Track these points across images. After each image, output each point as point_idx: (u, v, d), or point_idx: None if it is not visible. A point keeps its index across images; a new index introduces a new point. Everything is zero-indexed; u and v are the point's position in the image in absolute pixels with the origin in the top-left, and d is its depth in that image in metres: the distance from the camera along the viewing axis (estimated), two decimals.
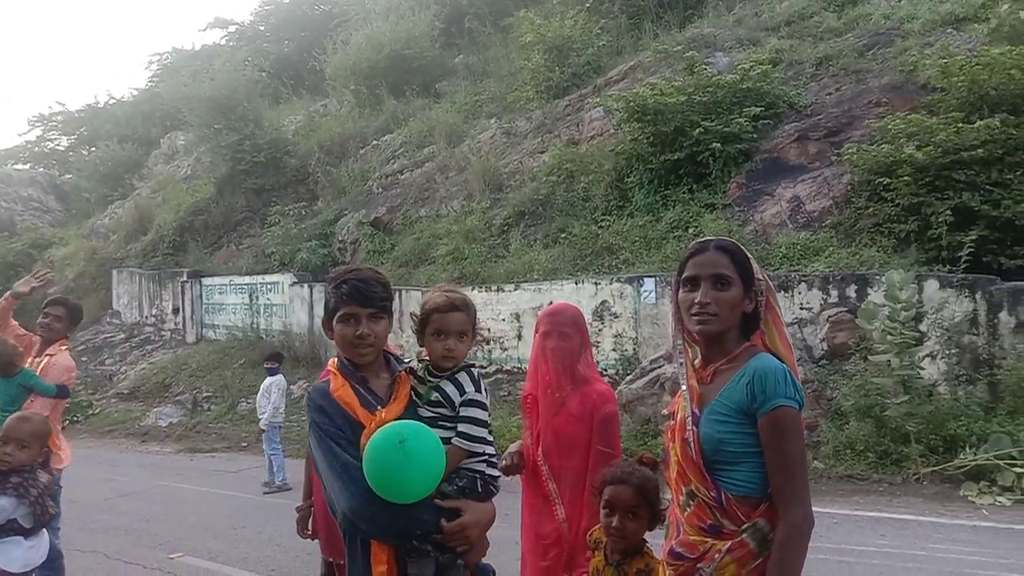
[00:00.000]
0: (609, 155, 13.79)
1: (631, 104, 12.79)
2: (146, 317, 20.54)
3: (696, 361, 2.36)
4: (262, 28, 30.50)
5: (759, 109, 12.41)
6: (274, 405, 10.08)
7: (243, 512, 8.68)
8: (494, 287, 12.66)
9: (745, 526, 2.11)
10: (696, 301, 2.21)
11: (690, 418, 2.22)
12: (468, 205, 15.54)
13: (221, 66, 24.90)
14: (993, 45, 10.85)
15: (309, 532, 4.13)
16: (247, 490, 9.75)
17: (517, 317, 12.33)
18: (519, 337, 12.21)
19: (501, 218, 14.56)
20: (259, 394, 10.42)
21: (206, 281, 18.81)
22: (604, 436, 3.39)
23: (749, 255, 2.26)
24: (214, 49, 32.47)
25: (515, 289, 12.43)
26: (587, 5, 17.52)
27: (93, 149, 33.38)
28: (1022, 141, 9.64)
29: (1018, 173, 9.55)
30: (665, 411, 2.53)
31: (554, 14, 17.38)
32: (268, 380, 10.37)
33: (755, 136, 12.45)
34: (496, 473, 2.59)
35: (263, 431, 10.07)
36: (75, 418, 16.22)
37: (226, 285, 18.27)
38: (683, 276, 2.30)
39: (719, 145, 12.12)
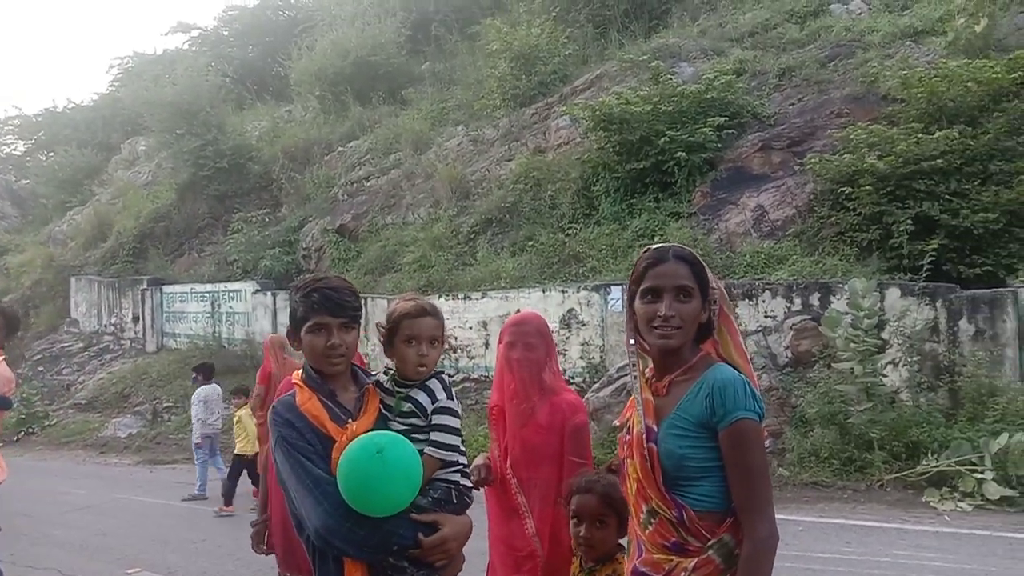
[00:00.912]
0: (576, 163, 13.81)
1: (597, 113, 12.83)
2: (105, 326, 20.08)
3: (647, 370, 2.29)
4: (226, 33, 30.07)
5: (723, 119, 12.51)
6: (198, 417, 10.01)
7: (203, 526, 8.48)
8: (461, 295, 12.59)
9: (711, 543, 2.06)
10: (660, 315, 2.14)
11: (646, 433, 2.15)
12: (435, 212, 15.45)
13: (184, 71, 24.53)
14: (950, 58, 11.09)
15: (264, 547, 4.03)
16: (208, 503, 9.53)
17: (484, 325, 12.26)
18: (486, 345, 12.14)
19: (468, 226, 14.49)
20: (198, 406, 10.10)
21: (167, 289, 18.45)
22: (576, 447, 3.34)
23: (704, 263, 2.22)
24: (177, 54, 31.95)
25: (482, 297, 12.37)
26: (553, 14, 17.56)
27: (51, 154, 32.64)
28: (979, 152, 9.84)
29: (975, 183, 9.74)
30: (616, 422, 2.44)
31: (521, 23, 17.40)
32: (204, 391, 10.11)
33: (719, 146, 12.55)
34: (469, 484, 2.53)
35: (198, 444, 9.96)
36: (30, 429, 15.80)
37: (187, 293, 17.94)
38: (643, 287, 2.21)
39: (684, 154, 12.20)
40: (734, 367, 2.14)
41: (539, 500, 3.33)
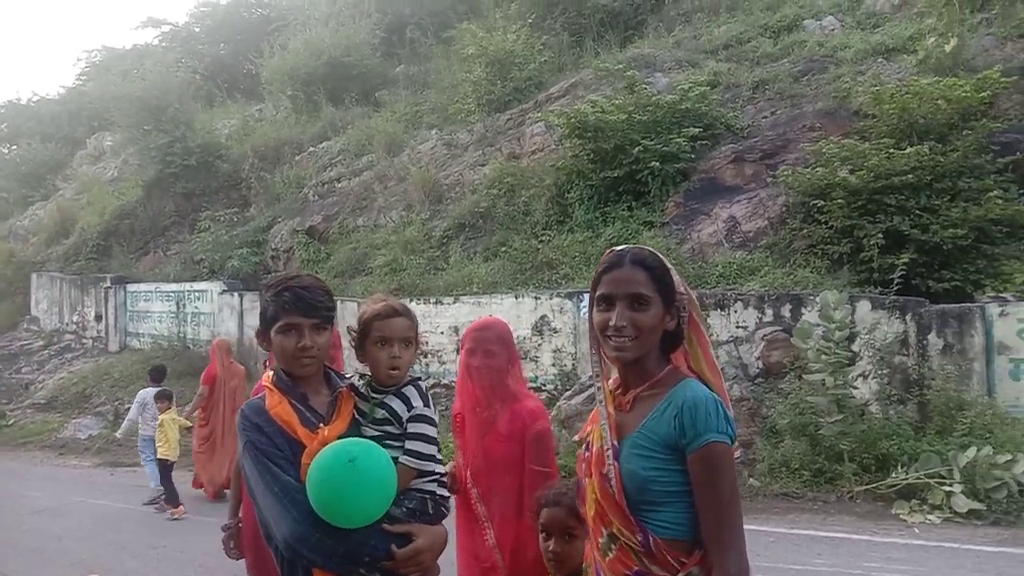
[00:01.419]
0: (550, 170, 13.79)
1: (572, 120, 12.83)
2: (67, 324, 19.60)
3: (612, 382, 2.14)
4: (197, 30, 29.66)
5: (697, 130, 12.57)
6: (130, 417, 9.95)
7: (164, 530, 8.26)
8: (432, 299, 12.48)
9: (679, 575, 1.91)
10: (611, 324, 1.99)
11: (610, 451, 1.98)
12: (407, 216, 15.32)
13: (153, 66, 24.14)
14: (921, 76, 11.26)
15: (235, 551, 3.92)
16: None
17: (456, 330, 12.15)
18: (457, 351, 12.02)
19: (441, 230, 14.39)
20: (135, 408, 9.91)
21: (131, 287, 18.06)
22: (537, 455, 3.27)
23: (669, 266, 2.05)
24: (146, 49, 31.43)
25: (454, 302, 12.27)
26: (529, 21, 17.56)
27: (14, 147, 31.90)
28: (949, 168, 9.99)
29: (945, 199, 9.88)
30: (576, 437, 2.28)
31: (496, 28, 17.37)
32: (144, 393, 9.94)
33: (693, 156, 12.62)
34: (446, 493, 2.45)
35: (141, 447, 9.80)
36: None
37: (152, 292, 17.57)
38: (596, 293, 2.07)
39: (658, 164, 12.24)
40: (704, 382, 2.01)
41: (499, 510, 3.27)
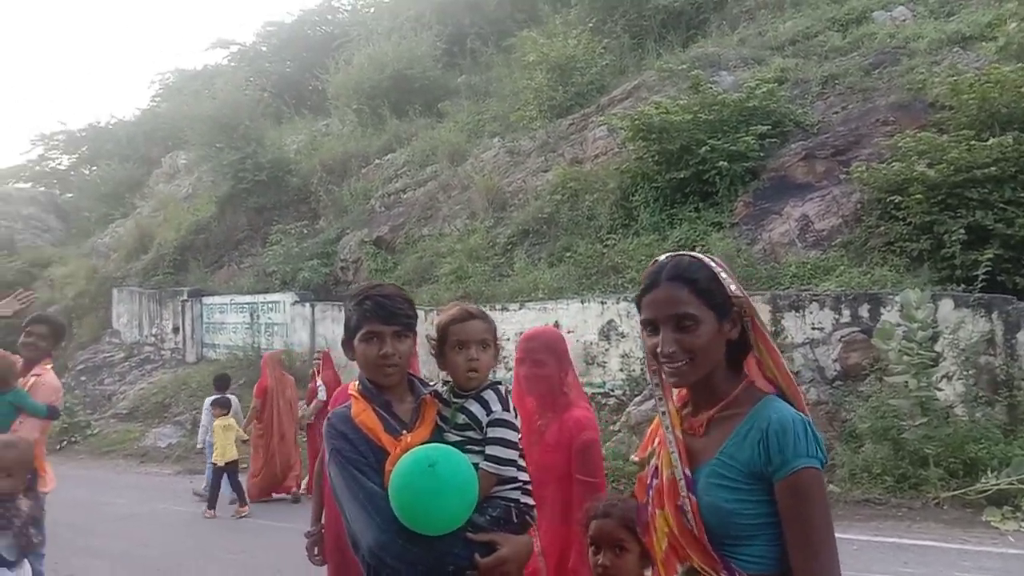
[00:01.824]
0: (614, 174, 13.68)
1: (636, 122, 12.71)
2: (146, 336, 20.33)
3: (677, 397, 1.94)
4: (264, 49, 30.52)
5: (766, 127, 12.30)
6: (203, 423, 10.50)
7: (243, 538, 8.45)
8: (498, 306, 12.49)
9: None
10: (659, 351, 1.80)
11: (683, 482, 1.80)
12: (471, 224, 15.41)
13: (223, 85, 24.93)
14: (1002, 63, 10.78)
15: (319, 557, 3.98)
16: (249, 515, 9.52)
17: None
18: None
19: (505, 237, 14.43)
20: (205, 414, 10.44)
21: (206, 300, 18.63)
22: (584, 465, 3.21)
23: (717, 270, 1.83)
24: (216, 69, 32.50)
25: (520, 308, 12.26)
26: (590, 25, 17.50)
27: (94, 168, 33.32)
28: None
29: None
30: (635, 457, 2.10)
31: (557, 34, 17.35)
32: (207, 400, 10.45)
33: (762, 155, 12.34)
34: (531, 502, 2.41)
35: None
36: (73, 438, 15.98)
37: (227, 304, 18.09)
38: (641, 317, 1.88)
39: (726, 163, 12.01)
40: (781, 393, 1.82)
41: (547, 519, 3.20)
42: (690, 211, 12.47)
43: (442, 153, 17.70)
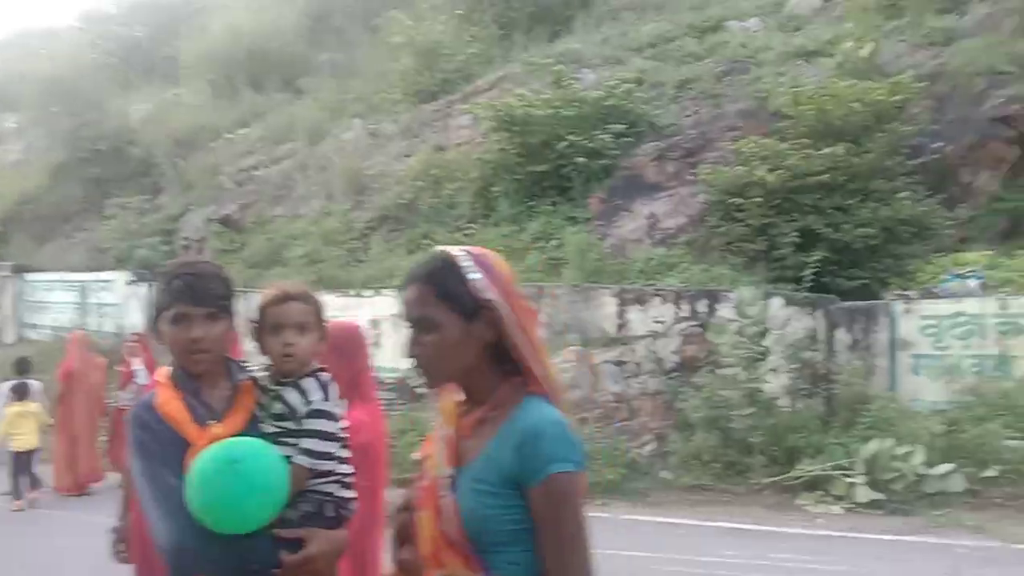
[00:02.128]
0: (476, 163, 13.63)
1: (499, 113, 12.71)
2: None
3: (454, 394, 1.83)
4: (114, 11, 28.42)
5: (622, 127, 12.58)
6: None
7: (39, 530, 7.77)
8: (352, 292, 12.16)
9: None
10: (409, 353, 1.77)
11: (445, 481, 1.73)
12: (328, 206, 14.95)
13: (64, 45, 22.99)
14: (839, 78, 11.49)
15: (125, 555, 3.65)
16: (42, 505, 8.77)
17: (375, 324, 11.88)
18: (377, 344, 11.76)
19: (363, 221, 14.09)
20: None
21: (31, 276, 17.10)
22: (359, 468, 3.10)
23: (465, 272, 1.71)
24: (58, 27, 29.99)
25: (374, 295, 11.98)
26: (459, 12, 17.37)
27: None
28: (861, 169, 10.23)
29: (857, 199, 10.12)
30: (416, 455, 1.97)
31: (425, 18, 17.12)
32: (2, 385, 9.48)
33: (617, 153, 12.63)
34: (351, 495, 2.24)
35: None
36: None
37: (54, 281, 16.67)
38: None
39: (583, 159, 12.21)
40: (548, 394, 1.72)
41: None
42: (548, 204, 12.60)
43: (300, 131, 17.08)
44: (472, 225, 12.92)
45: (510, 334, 1.71)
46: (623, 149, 12.74)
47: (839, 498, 7.53)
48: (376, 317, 11.86)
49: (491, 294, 1.70)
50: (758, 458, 8.06)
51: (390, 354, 11.29)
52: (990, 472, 7.50)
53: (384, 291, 11.92)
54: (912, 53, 12.60)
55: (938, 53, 12.31)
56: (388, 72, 17.25)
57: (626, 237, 11.91)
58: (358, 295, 12.10)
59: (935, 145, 11.10)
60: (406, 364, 1.89)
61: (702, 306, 9.74)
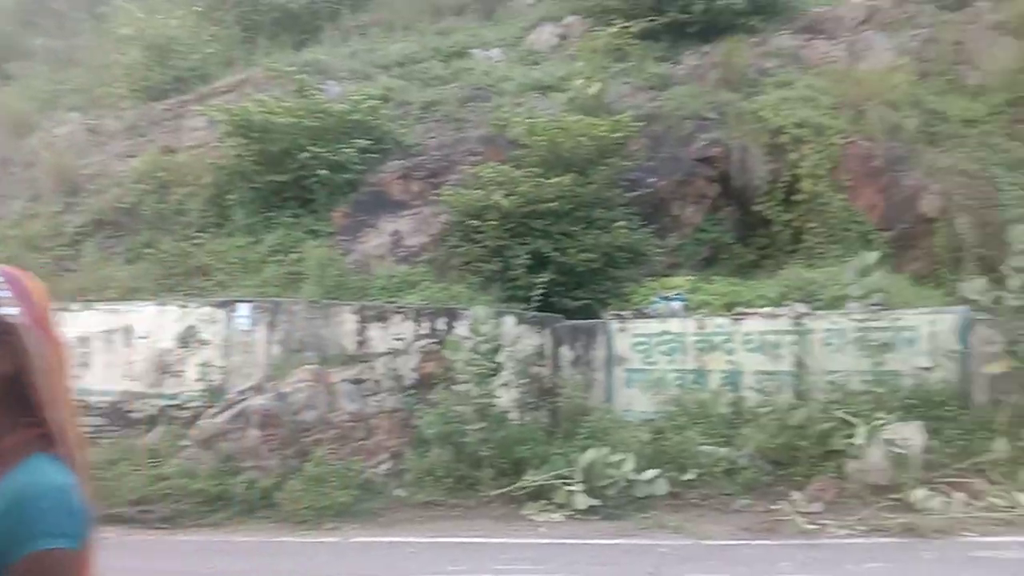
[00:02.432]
0: (210, 168, 12.84)
1: (236, 117, 12.11)
2: None
3: None
4: None
5: (368, 142, 12.57)
6: None
7: None
8: (58, 306, 10.84)
9: None
10: None
11: None
12: (33, 208, 13.27)
13: None
14: (569, 113, 12.36)
15: None
16: None
17: (85, 342, 10.69)
18: (86, 365, 10.58)
19: (74, 226, 12.68)
20: None
21: None
22: None
23: None
24: None
25: (83, 309, 10.77)
26: (198, 9, 16.32)
27: None
28: (586, 199, 11.07)
29: (582, 226, 10.92)
30: None
31: (158, 11, 15.87)
32: None
33: (362, 168, 12.57)
34: None
35: None
36: None
37: None
38: None
39: (326, 172, 11.99)
40: (61, 457, 1.38)
41: None
42: (288, 216, 12.19)
43: (4, 121, 15.03)
44: (202, 234, 12.15)
45: (32, 369, 1.39)
46: (368, 165, 12.68)
47: (561, 506, 7.99)
48: (85, 334, 10.69)
49: (17, 316, 1.38)
50: (487, 471, 8.33)
51: (101, 376, 10.28)
52: (689, 475, 8.36)
53: (96, 304, 10.80)
54: (634, 95, 13.89)
55: (655, 96, 13.69)
56: (113, 65, 15.74)
57: (370, 253, 11.85)
58: (65, 309, 10.82)
59: (650, 180, 12.31)
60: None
61: (441, 324, 9.93)
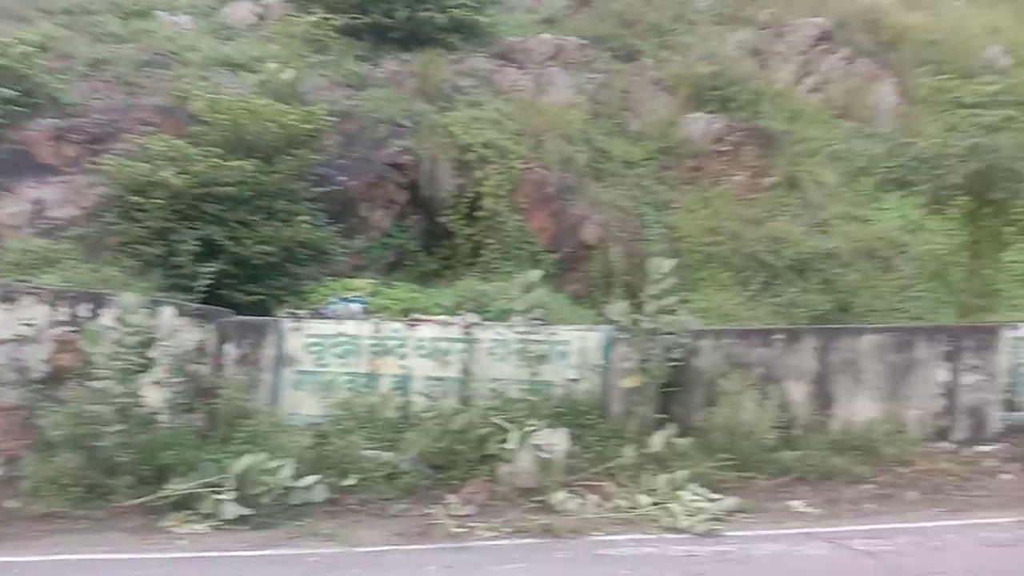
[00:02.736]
0: None
1: None
2: None
3: None
4: None
5: (15, 93, 10.93)
6: None
7: None
8: None
9: None
10: None
11: None
12: None
13: None
14: (259, 96, 11.69)
15: None
16: None
17: None
18: None
19: None
20: None
21: None
22: None
23: None
24: None
25: None
26: None
27: None
28: (269, 188, 10.53)
29: (262, 216, 10.37)
30: None
31: None
32: None
33: (5, 122, 10.84)
34: None
35: None
36: None
37: None
38: None
39: None
40: None
41: None
42: None
43: None
44: None
45: None
46: (12, 119, 11.00)
47: (207, 516, 7.37)
48: None
49: None
50: (124, 479, 7.46)
51: None
52: (350, 480, 8.22)
53: None
54: (331, 89, 13.59)
55: (352, 95, 13.53)
56: None
57: (3, 222, 10.19)
58: None
59: (340, 178, 12.10)
60: None
61: (84, 310, 8.75)
